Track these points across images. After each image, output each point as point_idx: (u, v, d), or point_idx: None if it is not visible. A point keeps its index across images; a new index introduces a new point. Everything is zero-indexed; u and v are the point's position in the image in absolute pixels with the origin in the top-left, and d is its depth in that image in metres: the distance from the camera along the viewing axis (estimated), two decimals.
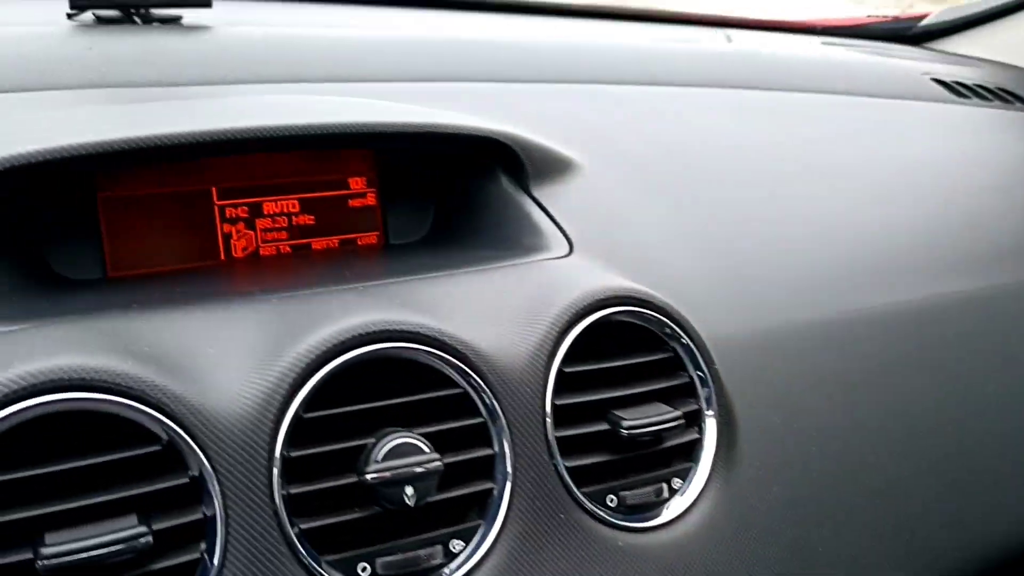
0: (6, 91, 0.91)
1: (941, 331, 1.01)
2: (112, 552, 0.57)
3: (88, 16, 1.09)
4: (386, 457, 0.66)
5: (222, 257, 0.90)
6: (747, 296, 0.92)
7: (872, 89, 1.44)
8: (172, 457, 0.62)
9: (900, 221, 1.11)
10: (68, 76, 0.95)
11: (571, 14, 1.49)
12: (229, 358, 0.66)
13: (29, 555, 0.57)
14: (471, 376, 0.71)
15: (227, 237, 0.90)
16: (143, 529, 0.58)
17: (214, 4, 1.10)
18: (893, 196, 1.13)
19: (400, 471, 0.65)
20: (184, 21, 1.13)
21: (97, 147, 0.74)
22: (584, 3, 1.51)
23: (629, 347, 0.80)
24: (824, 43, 1.67)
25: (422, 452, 0.66)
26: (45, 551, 0.56)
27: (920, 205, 1.17)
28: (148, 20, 1.11)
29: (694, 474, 0.80)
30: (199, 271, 0.87)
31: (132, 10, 1.10)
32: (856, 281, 0.99)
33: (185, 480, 0.62)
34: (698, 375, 0.81)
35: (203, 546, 0.62)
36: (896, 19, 1.71)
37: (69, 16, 1.08)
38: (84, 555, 0.57)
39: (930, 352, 0.99)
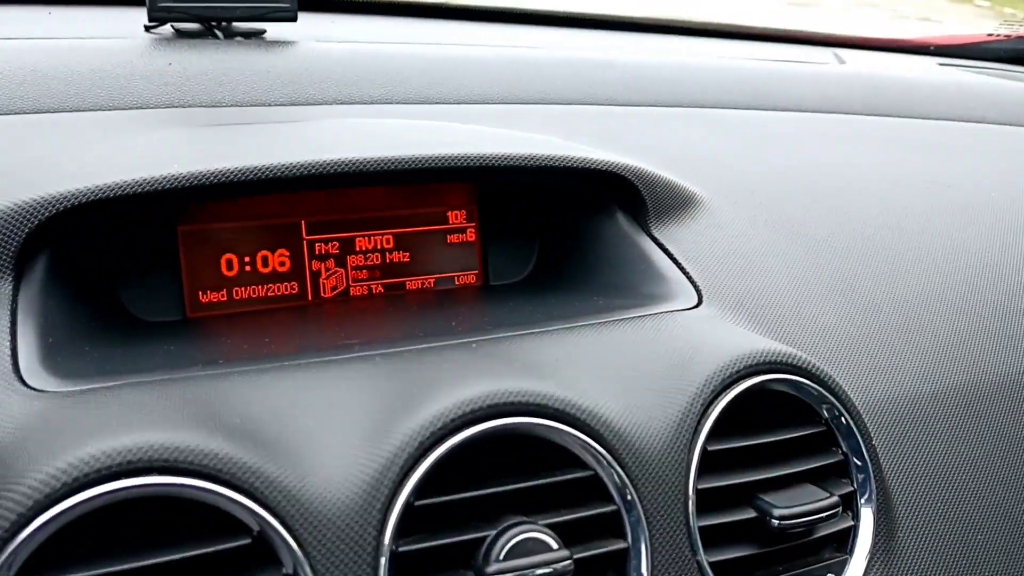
0: (82, 109, 0.84)
1: None
2: None
3: (167, 29, 1.02)
4: (509, 555, 0.56)
5: (309, 297, 0.81)
6: (897, 355, 0.81)
7: (1003, 116, 1.31)
8: (263, 551, 0.53)
9: None
10: (147, 94, 0.87)
11: (674, 31, 1.38)
12: (330, 433, 0.57)
13: None
14: (604, 455, 0.61)
15: (316, 275, 0.81)
16: None
17: (299, 18, 1.02)
18: None
19: (525, 573, 0.55)
20: (267, 36, 1.05)
21: (183, 180, 0.66)
22: (688, 20, 1.41)
23: (773, 418, 0.69)
24: (941, 64, 1.55)
25: (550, 549, 0.56)
26: None
27: None
28: (230, 34, 1.03)
29: (849, 568, 0.69)
30: (286, 313, 0.79)
31: (213, 23, 1.03)
32: (1011, 335, 0.87)
33: None
34: (854, 460, 0.70)
35: None
36: (1020, 37, 1.58)
37: (147, 28, 1.01)
38: None
39: None
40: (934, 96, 1.36)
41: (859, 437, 0.70)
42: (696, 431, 0.63)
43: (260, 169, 0.69)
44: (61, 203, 0.64)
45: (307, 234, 0.81)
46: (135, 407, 0.55)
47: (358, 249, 0.83)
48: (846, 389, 0.72)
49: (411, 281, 0.85)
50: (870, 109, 1.26)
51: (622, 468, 0.61)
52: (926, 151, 1.18)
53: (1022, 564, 0.76)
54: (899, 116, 1.27)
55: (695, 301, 0.78)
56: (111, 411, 0.55)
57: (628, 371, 0.67)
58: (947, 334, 0.84)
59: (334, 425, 0.57)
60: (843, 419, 0.69)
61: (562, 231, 0.89)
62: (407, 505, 0.55)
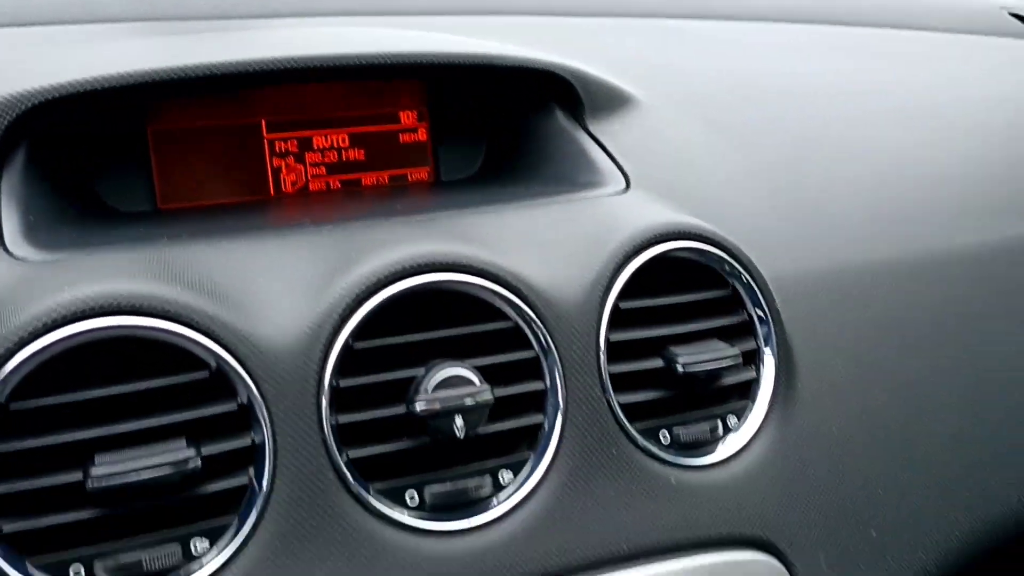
0: (52, 23, 0.90)
1: (1018, 275, 0.96)
2: (161, 475, 0.57)
3: None
4: (436, 388, 0.64)
5: (271, 192, 0.89)
6: (811, 236, 0.88)
7: (945, 24, 1.37)
8: (221, 384, 0.61)
9: (974, 160, 1.05)
10: (115, 8, 0.94)
11: None
12: (279, 288, 0.65)
13: (79, 476, 0.57)
14: (523, 309, 0.69)
15: (276, 171, 0.89)
16: (191, 453, 0.58)
17: None
18: (967, 135, 1.08)
19: (450, 402, 0.64)
20: None
21: (147, 76, 0.73)
22: None
23: (687, 284, 0.77)
24: None
25: (472, 384, 0.65)
26: (95, 471, 0.56)
27: (997, 144, 1.11)
28: None
29: (750, 412, 0.77)
30: (249, 205, 0.86)
31: None
32: (926, 221, 0.94)
33: (233, 407, 0.61)
34: (757, 314, 0.78)
35: (251, 471, 0.62)
36: None
37: None
38: (133, 477, 0.57)
39: (1005, 298, 0.95)
40: (883, 4, 1.41)
41: (762, 298, 0.78)
42: (608, 289, 0.72)
43: (220, 65, 0.76)
44: (37, 97, 0.72)
45: (267, 133, 0.88)
46: (107, 268, 0.63)
47: (316, 147, 0.90)
48: (757, 260, 0.80)
49: (366, 177, 0.92)
50: (817, 18, 1.32)
51: (541, 320, 0.69)
52: (870, 57, 1.24)
53: (912, 411, 0.84)
54: (846, 24, 1.33)
55: (623, 187, 0.86)
56: (84, 271, 0.63)
57: (552, 243, 0.75)
58: (858, 219, 0.92)
59: (283, 282, 0.66)
60: (745, 279, 0.77)
61: (508, 130, 0.96)
62: (346, 347, 0.64)
